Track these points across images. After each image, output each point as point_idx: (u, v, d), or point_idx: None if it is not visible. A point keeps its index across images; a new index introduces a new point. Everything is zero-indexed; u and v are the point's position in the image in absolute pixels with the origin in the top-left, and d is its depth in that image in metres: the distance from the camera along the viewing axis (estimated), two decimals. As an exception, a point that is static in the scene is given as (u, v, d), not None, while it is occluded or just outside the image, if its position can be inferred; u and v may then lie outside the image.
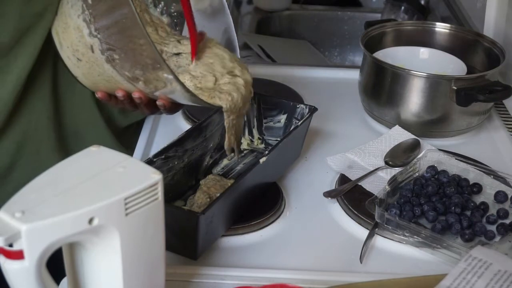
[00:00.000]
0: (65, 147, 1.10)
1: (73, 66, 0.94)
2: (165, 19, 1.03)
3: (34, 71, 1.00)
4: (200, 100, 0.90)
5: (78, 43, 0.89)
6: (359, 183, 1.04)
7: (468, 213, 0.96)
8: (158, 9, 1.03)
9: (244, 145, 1.10)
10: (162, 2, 1.04)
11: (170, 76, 0.85)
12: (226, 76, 0.96)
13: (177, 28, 1.04)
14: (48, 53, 1.00)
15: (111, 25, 0.85)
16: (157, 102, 0.92)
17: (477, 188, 1.02)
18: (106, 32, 0.86)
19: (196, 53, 0.96)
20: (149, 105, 0.94)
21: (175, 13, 1.05)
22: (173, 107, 0.94)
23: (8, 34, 0.94)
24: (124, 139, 1.19)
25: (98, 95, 0.95)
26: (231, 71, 0.97)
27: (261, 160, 0.95)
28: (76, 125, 1.12)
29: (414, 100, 1.17)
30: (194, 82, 0.94)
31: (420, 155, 1.09)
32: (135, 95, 0.91)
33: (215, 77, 0.95)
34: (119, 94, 0.92)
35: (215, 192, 0.96)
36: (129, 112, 1.19)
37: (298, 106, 1.09)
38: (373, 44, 1.29)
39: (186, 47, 0.98)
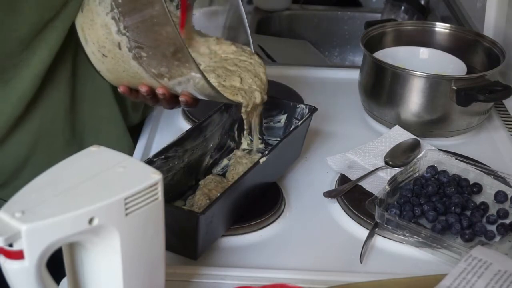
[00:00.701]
0: (81, 141, 1.11)
1: (97, 62, 0.94)
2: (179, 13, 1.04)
3: (54, 64, 1.01)
4: (223, 97, 0.92)
5: (105, 40, 0.90)
6: (359, 183, 1.04)
7: (468, 213, 0.96)
8: (174, 3, 1.03)
9: (244, 145, 1.10)
10: None
11: (198, 75, 0.86)
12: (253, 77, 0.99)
13: (192, 24, 1.05)
14: (69, 46, 1.00)
15: (141, 23, 0.86)
16: (180, 98, 0.93)
17: (477, 188, 1.02)
18: (135, 30, 0.86)
19: (184, 24, 0.97)
20: (171, 100, 0.95)
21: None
22: (193, 102, 0.95)
23: (28, 26, 0.94)
24: (132, 137, 1.19)
25: (120, 89, 0.96)
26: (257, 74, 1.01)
27: (261, 160, 0.95)
28: (94, 119, 1.12)
29: (414, 100, 1.17)
30: (219, 80, 0.96)
31: (420, 155, 1.09)
32: (159, 91, 0.92)
33: (240, 77, 0.98)
34: (143, 89, 0.93)
35: (215, 195, 0.96)
36: (141, 109, 1.20)
37: (298, 106, 1.09)
38: (373, 44, 1.29)
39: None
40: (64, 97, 1.06)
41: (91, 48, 0.93)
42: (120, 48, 0.89)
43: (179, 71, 0.87)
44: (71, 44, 0.99)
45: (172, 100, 0.95)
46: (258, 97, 0.99)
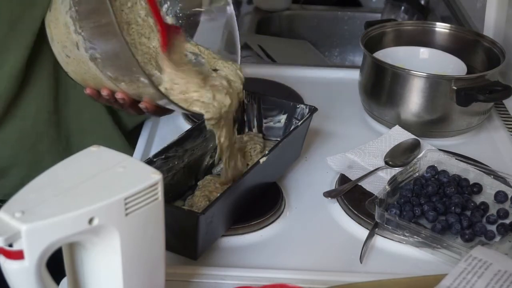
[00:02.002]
0: (67, 143, 1.10)
1: (63, 62, 0.94)
2: (170, 19, 1.03)
3: (32, 65, 1.00)
4: (180, 107, 0.90)
5: (66, 40, 0.89)
6: (359, 183, 1.04)
7: (468, 213, 0.96)
8: (163, 9, 1.03)
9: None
10: (168, 2, 1.03)
11: (146, 81, 0.84)
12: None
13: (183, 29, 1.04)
14: (46, 47, 1.00)
15: (93, 24, 0.85)
16: (140, 105, 0.91)
17: (477, 188, 1.02)
18: (88, 31, 0.85)
19: (168, 44, 0.95)
20: (134, 106, 0.93)
21: (180, 14, 1.04)
22: (158, 110, 0.93)
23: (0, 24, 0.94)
24: (131, 139, 1.19)
25: (87, 91, 0.94)
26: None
27: (261, 160, 0.95)
28: (79, 121, 1.11)
29: (414, 100, 1.17)
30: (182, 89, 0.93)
31: (420, 155, 1.09)
32: (118, 95, 0.91)
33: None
34: (104, 93, 0.92)
35: (215, 196, 0.96)
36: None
37: (298, 106, 1.09)
38: (373, 44, 1.29)
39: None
40: (46, 98, 1.05)
41: (57, 48, 0.93)
42: (78, 49, 0.87)
43: (133, 76, 0.85)
44: (48, 44, 0.99)
45: (135, 106, 0.93)
46: (226, 101, 0.94)
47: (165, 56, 0.96)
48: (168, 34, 0.98)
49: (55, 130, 1.09)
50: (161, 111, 0.94)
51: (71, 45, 0.89)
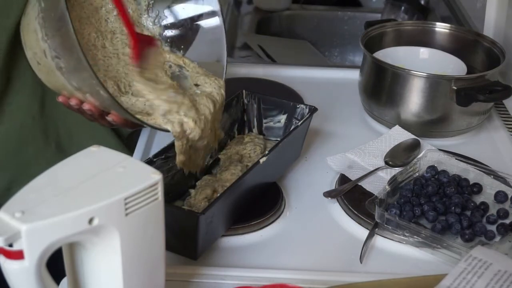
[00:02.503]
0: (58, 147, 1.10)
1: (36, 69, 0.92)
2: (157, 29, 1.02)
3: (13, 69, 0.99)
4: (146, 124, 0.88)
5: (36, 46, 0.87)
6: (359, 183, 1.04)
7: (468, 213, 0.96)
8: (151, 18, 1.02)
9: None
10: (157, 11, 1.03)
11: (105, 94, 0.82)
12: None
13: (168, 40, 1.03)
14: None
15: (56, 32, 0.83)
16: (107, 117, 0.90)
17: (477, 188, 1.02)
18: (52, 39, 0.84)
19: (140, 57, 0.91)
20: (103, 118, 0.91)
21: (168, 24, 1.03)
22: (129, 124, 0.91)
23: None
24: (130, 141, 1.18)
25: (59, 99, 0.92)
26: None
27: (261, 160, 0.95)
28: (70, 126, 1.11)
29: (414, 100, 1.17)
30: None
31: (420, 155, 1.09)
32: (85, 106, 0.88)
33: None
34: (72, 102, 0.90)
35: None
36: None
37: (298, 106, 1.09)
38: (373, 44, 1.29)
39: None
40: (31, 103, 1.05)
41: (29, 54, 0.91)
42: (46, 56, 0.85)
43: (92, 87, 0.83)
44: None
45: (103, 118, 0.90)
46: (194, 131, 0.91)
47: (137, 68, 0.93)
48: (142, 45, 0.95)
49: (42, 134, 1.08)
50: (132, 125, 0.93)
51: (40, 52, 0.87)
